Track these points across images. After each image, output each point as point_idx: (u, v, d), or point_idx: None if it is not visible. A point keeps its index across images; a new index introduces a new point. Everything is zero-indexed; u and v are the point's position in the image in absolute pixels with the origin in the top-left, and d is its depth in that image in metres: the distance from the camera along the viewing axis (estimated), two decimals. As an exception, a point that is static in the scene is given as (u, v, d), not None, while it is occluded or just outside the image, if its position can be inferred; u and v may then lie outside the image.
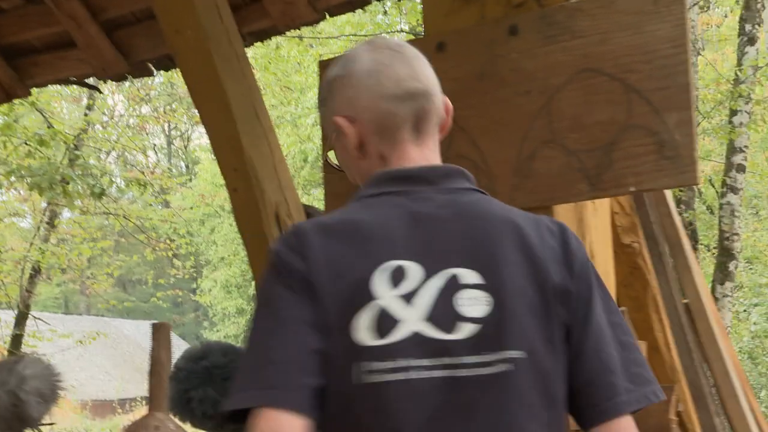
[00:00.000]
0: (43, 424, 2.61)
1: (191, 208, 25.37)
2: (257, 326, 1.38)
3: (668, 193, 2.96)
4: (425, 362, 1.35)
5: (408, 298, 1.38)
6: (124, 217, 14.50)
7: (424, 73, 1.56)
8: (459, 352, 1.37)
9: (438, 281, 1.40)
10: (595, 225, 2.66)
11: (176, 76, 14.17)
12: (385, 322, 1.36)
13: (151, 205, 17.29)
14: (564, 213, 2.52)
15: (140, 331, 35.14)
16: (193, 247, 23.56)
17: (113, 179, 10.07)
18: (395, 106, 1.51)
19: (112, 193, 12.93)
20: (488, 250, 1.43)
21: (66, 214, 15.24)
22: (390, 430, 1.33)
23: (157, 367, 1.97)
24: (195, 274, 26.72)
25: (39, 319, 14.11)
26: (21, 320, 12.72)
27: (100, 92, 4.96)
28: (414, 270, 1.40)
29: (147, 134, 22.82)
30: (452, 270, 1.41)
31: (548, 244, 1.48)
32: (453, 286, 1.40)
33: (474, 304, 1.39)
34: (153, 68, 4.06)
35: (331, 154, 1.66)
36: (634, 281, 3.06)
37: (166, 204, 20.76)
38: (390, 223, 1.42)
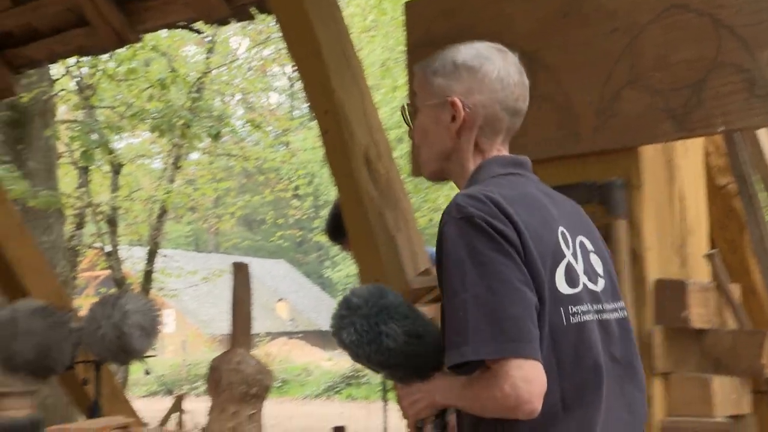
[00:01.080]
0: (146, 356, 2.78)
1: (311, 148, 25.78)
2: (480, 287, 1.57)
3: (761, 133, 2.83)
4: (590, 307, 1.69)
5: (574, 256, 1.70)
6: (245, 158, 14.88)
7: (527, 98, 1.84)
8: (602, 299, 1.73)
9: (578, 245, 1.74)
10: (685, 166, 2.59)
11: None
12: (572, 275, 1.68)
13: (271, 146, 17.67)
14: (651, 155, 2.46)
15: (264, 269, 36.28)
16: (313, 187, 23.99)
17: (233, 121, 10.32)
18: (504, 115, 1.80)
19: (234, 134, 13.27)
20: (588, 223, 1.83)
21: (193, 155, 15.77)
22: (590, 358, 1.64)
23: (238, 304, 2.07)
24: (313, 215, 27.23)
25: (166, 256, 14.77)
26: (151, 257, 13.34)
27: (199, 33, 5.07)
28: (567, 235, 1.72)
29: (268, 76, 23.17)
30: (580, 237, 1.76)
31: None
32: (585, 249, 1.75)
33: (598, 265, 1.76)
34: (254, 12, 4.13)
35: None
36: (729, 223, 2.96)
37: (287, 145, 21.14)
38: (540, 198, 1.73)
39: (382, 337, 1.71)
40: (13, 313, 2.72)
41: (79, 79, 10.56)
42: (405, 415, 1.83)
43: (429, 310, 2.69)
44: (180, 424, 2.42)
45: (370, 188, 3.00)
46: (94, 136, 8.65)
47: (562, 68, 2.47)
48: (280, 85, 36.85)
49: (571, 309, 1.65)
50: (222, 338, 26.03)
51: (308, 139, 27.82)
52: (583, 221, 1.82)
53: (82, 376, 2.90)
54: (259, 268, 35.97)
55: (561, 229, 1.71)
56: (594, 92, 2.39)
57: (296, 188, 18.20)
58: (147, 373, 3.42)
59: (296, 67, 3.21)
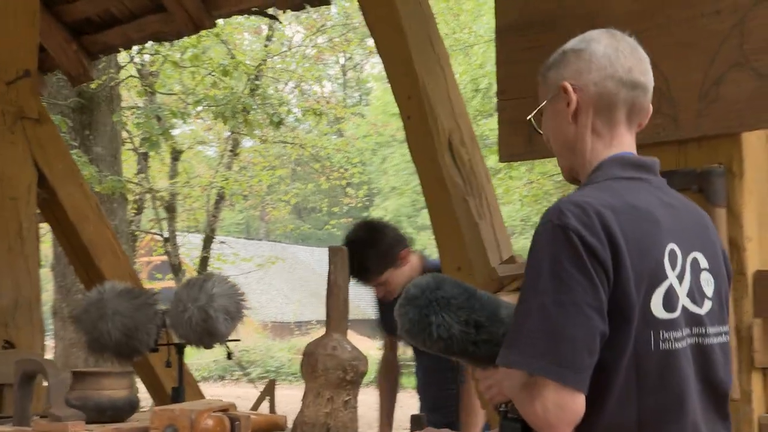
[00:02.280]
0: (230, 340, 2.77)
1: (364, 137, 25.78)
2: (549, 298, 1.54)
3: None
4: (687, 331, 1.64)
5: (680, 277, 1.64)
6: (300, 146, 14.94)
7: (649, 72, 1.76)
8: (705, 323, 1.67)
9: (689, 263, 1.67)
10: (787, 154, 2.50)
11: (352, 6, 14.30)
12: (672, 298, 1.61)
13: (325, 134, 17.71)
14: (752, 142, 2.38)
15: (315, 257, 36.43)
16: (366, 176, 24.02)
17: (290, 109, 10.35)
18: (619, 89, 1.71)
19: (290, 122, 13.33)
20: (708, 237, 1.76)
21: (246, 142, 15.88)
22: (676, 386, 1.60)
23: (335, 289, 2.04)
24: (368, 203, 27.28)
25: (224, 242, 14.92)
26: (207, 243, 13.49)
27: (280, 22, 5.07)
28: (678, 252, 1.65)
29: (323, 65, 23.25)
30: (694, 253, 1.69)
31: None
32: (696, 267, 1.69)
33: (707, 284, 1.70)
34: (329, -3, 4.11)
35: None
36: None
37: (340, 133, 21.19)
38: (656, 210, 1.65)
39: (432, 327, 1.74)
40: (100, 294, 2.73)
41: (142, 65, 10.67)
42: (483, 398, 1.84)
43: (514, 299, 2.65)
44: (272, 409, 2.42)
45: (454, 174, 2.96)
46: (157, 123, 8.74)
47: (661, 51, 2.39)
48: (333, 74, 36.94)
49: (663, 335, 1.60)
50: (272, 325, 26.27)
51: (361, 127, 27.91)
52: (702, 235, 1.75)
53: (164, 359, 2.90)
54: (309, 256, 36.18)
55: (671, 246, 1.64)
56: (696, 75, 2.30)
57: (351, 176, 18.21)
58: (229, 357, 3.43)
59: (379, 51, 3.18)
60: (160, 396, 4.33)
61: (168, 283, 14.38)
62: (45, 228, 6.73)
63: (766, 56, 2.25)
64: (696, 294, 1.66)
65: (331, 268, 2.09)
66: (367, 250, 3.30)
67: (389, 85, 3.25)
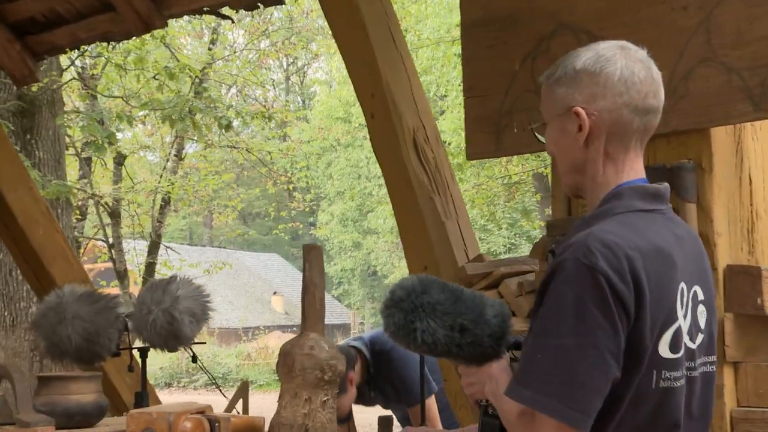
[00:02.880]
0: (195, 343, 2.71)
1: (309, 141, 25.70)
2: (571, 340, 1.54)
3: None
4: (683, 372, 1.66)
5: (684, 315, 1.66)
6: (247, 150, 14.81)
7: (662, 91, 1.75)
8: (695, 356, 1.69)
9: (691, 297, 1.69)
10: (754, 149, 2.53)
11: (296, 9, 14.21)
12: (678, 340, 1.63)
13: (270, 138, 17.59)
14: (721, 137, 2.40)
15: (260, 263, 36.16)
16: (312, 180, 23.92)
17: (238, 112, 10.25)
18: (633, 117, 1.70)
19: (235, 126, 13.18)
20: (704, 267, 1.77)
21: (191, 147, 15.69)
22: (671, 421, 1.63)
23: (310, 288, 2.00)
24: (314, 207, 27.16)
25: (170, 248, 14.70)
26: (153, 249, 13.27)
27: (233, 21, 4.99)
28: (685, 289, 1.67)
29: (266, 69, 23.08)
30: (695, 287, 1.71)
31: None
32: (696, 300, 1.70)
33: (702, 316, 1.72)
34: (284, -4, 4.05)
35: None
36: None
37: (285, 138, 21.06)
38: (671, 247, 1.66)
39: (417, 333, 1.73)
40: (59, 299, 2.65)
41: (83, 68, 10.46)
42: (465, 393, 1.86)
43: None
44: (245, 410, 2.36)
45: (420, 173, 2.94)
46: (101, 127, 8.57)
47: (630, 47, 2.41)
48: (276, 79, 36.73)
49: (665, 374, 1.62)
50: (219, 332, 25.97)
51: (306, 132, 27.80)
52: (701, 266, 1.77)
53: (126, 363, 2.83)
54: (254, 262, 35.88)
55: (681, 285, 1.66)
56: (665, 72, 2.31)
57: (298, 180, 18.11)
58: (194, 360, 3.35)
59: (341, 49, 3.14)
60: (115, 402, 4.22)
61: (113, 290, 14.10)
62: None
63: (735, 51, 2.27)
64: (693, 329, 1.68)
65: (306, 267, 2.05)
66: None
67: (344, 85, 3.23)
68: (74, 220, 11.65)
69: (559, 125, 1.76)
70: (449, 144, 14.79)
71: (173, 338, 2.58)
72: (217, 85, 14.92)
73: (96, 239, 13.39)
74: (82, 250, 12.84)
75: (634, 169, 1.73)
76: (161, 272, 14.23)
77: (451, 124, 15.79)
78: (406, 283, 1.79)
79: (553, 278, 1.59)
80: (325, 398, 1.98)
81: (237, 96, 19.15)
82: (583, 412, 1.52)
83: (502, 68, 2.64)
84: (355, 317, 29.14)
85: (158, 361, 20.77)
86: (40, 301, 2.86)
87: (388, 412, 3.75)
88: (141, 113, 10.02)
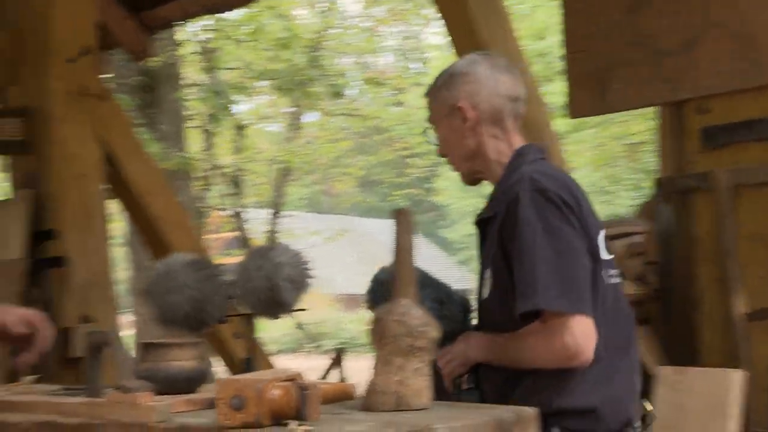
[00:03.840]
0: (296, 310, 2.73)
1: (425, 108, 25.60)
2: (549, 249, 1.86)
3: None
4: (615, 271, 2.01)
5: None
6: (362, 117, 14.88)
7: (522, 85, 2.14)
8: (614, 267, 2.02)
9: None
10: None
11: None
12: (607, 244, 1.99)
13: (386, 105, 17.62)
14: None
15: (380, 229, 36.48)
16: (428, 146, 23.83)
17: (349, 80, 10.29)
18: (507, 103, 2.09)
19: (350, 94, 13.27)
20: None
21: (309, 117, 15.90)
22: (626, 311, 1.98)
23: (401, 253, 1.97)
24: (432, 173, 27.09)
25: (291, 216, 15.00)
26: (275, 218, 13.57)
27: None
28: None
29: (380, 36, 23.10)
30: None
31: None
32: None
33: (605, 239, 2.02)
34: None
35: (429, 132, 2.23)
36: None
37: (401, 104, 21.07)
38: (571, 179, 2.02)
39: None
40: (167, 267, 2.72)
41: (203, 42, 10.72)
42: (442, 374, 2.07)
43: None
44: (342, 378, 2.39)
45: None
46: (219, 99, 8.78)
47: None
48: (392, 45, 36.69)
49: (609, 272, 1.97)
50: (341, 298, 26.42)
51: (422, 98, 27.63)
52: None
53: (234, 330, 2.89)
54: (375, 228, 36.23)
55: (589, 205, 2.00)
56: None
57: (414, 146, 18.11)
58: (298, 327, 3.46)
59: (442, 15, 3.08)
60: (233, 367, 4.35)
61: (238, 258, 14.49)
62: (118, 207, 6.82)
63: None
64: (606, 244, 2.02)
65: (397, 230, 2.02)
66: None
67: (451, 51, 3.16)
68: (198, 191, 12.04)
69: (447, 125, 2.12)
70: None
71: (274, 305, 2.61)
72: (331, 54, 15.03)
73: (219, 209, 13.79)
74: (206, 220, 13.27)
75: (518, 140, 2.11)
76: (283, 241, 14.55)
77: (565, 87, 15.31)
78: (388, 267, 2.03)
79: (515, 213, 1.90)
80: (418, 365, 1.96)
81: (353, 64, 19.25)
82: (585, 301, 1.84)
83: (604, 21, 2.53)
84: (477, 282, 28.98)
85: (282, 328, 21.34)
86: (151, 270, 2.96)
87: None
88: (257, 84, 10.19)
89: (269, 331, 17.61)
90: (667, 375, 2.41)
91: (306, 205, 37.24)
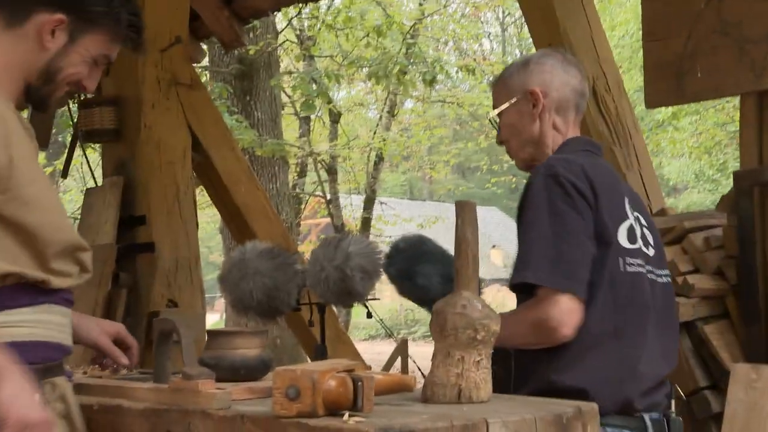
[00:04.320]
0: (368, 299, 2.74)
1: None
2: (548, 229, 1.96)
3: None
4: (644, 264, 2.06)
5: (636, 221, 2.09)
6: (458, 104, 14.79)
7: (586, 82, 2.26)
8: (653, 263, 2.10)
9: (635, 219, 2.10)
10: None
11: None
12: (633, 234, 2.05)
13: (484, 92, 17.45)
14: None
15: (479, 217, 36.01)
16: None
17: (444, 67, 10.23)
18: (574, 96, 2.20)
19: (447, 81, 13.20)
20: (642, 204, 2.21)
21: (407, 104, 15.89)
22: (642, 301, 2.00)
23: (463, 245, 1.95)
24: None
25: (384, 203, 15.07)
26: (368, 204, 13.65)
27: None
28: (629, 207, 2.09)
29: (481, 22, 22.89)
30: (637, 212, 2.13)
31: None
32: (640, 222, 2.13)
33: (649, 236, 2.13)
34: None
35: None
36: None
37: (501, 91, 20.78)
38: (613, 171, 2.16)
39: (417, 276, 2.13)
40: (242, 255, 2.76)
41: (300, 30, 10.84)
42: None
43: (668, 252, 2.50)
44: (405, 368, 2.39)
45: (599, 123, 2.79)
46: (314, 86, 8.86)
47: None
48: (493, 31, 36.35)
49: (628, 260, 2.01)
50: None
51: (522, 85, 27.21)
52: (639, 202, 2.20)
53: (307, 317, 2.92)
54: (473, 216, 35.86)
55: (626, 199, 2.09)
56: None
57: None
58: (369, 316, 3.51)
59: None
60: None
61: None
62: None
63: None
64: (645, 240, 2.10)
65: (459, 223, 2.00)
66: None
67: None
68: (294, 177, 12.21)
69: (515, 110, 2.19)
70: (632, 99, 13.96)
71: (346, 294, 2.63)
72: (429, 41, 14.97)
73: (315, 195, 13.96)
74: (302, 206, 13.46)
75: (574, 133, 2.20)
76: (377, 227, 14.64)
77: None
78: (407, 238, 2.23)
79: (526, 194, 2.01)
80: (479, 358, 1.94)
81: (451, 51, 19.15)
82: (577, 281, 1.92)
83: (684, 8, 2.43)
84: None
85: (379, 313, 21.43)
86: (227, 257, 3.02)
87: None
88: (352, 72, 10.24)
89: (361, 317, 17.74)
90: (743, 373, 2.32)
91: (402, 192, 37.33)
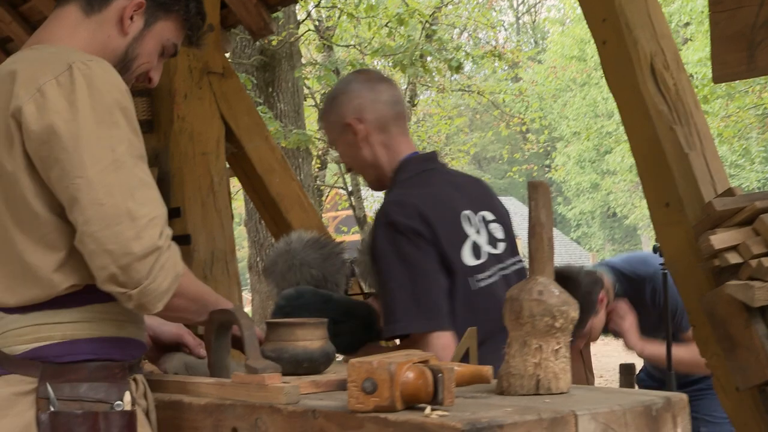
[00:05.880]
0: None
1: (543, 82, 25.11)
2: (404, 276, 2.11)
3: None
4: (495, 269, 2.25)
5: (478, 232, 2.25)
6: (479, 93, 14.69)
7: (397, 88, 2.41)
8: (503, 259, 2.29)
9: (480, 219, 2.28)
10: None
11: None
12: (477, 250, 2.22)
13: (502, 80, 17.33)
14: None
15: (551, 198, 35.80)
16: (546, 121, 23.42)
17: (468, 53, 10.11)
18: (388, 108, 2.30)
19: (466, 70, 13.08)
20: (489, 196, 2.41)
21: (424, 94, 15.79)
22: (496, 309, 1.97)
23: (537, 228, 1.86)
24: (549, 149, 26.61)
25: (405, 194, 14.95)
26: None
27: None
28: (470, 215, 2.26)
29: (496, 11, 22.75)
30: (482, 212, 2.30)
31: None
32: (485, 221, 2.30)
33: (497, 231, 2.32)
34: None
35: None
36: None
37: (517, 79, 20.69)
38: (448, 191, 2.26)
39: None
40: (287, 245, 2.68)
41: (319, 21, 10.76)
42: None
43: (736, 234, 2.39)
44: (474, 358, 2.30)
45: (658, 102, 2.67)
46: (338, 76, 8.78)
47: None
48: (507, 20, 36.15)
49: (477, 277, 2.19)
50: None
51: (539, 72, 27.14)
52: (484, 198, 2.37)
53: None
54: (491, 206, 35.74)
55: (464, 212, 2.23)
56: None
57: (531, 121, 17.77)
58: None
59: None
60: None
61: (354, 236, 14.64)
62: (236, 186, 6.91)
63: None
64: (492, 240, 2.27)
65: (532, 205, 1.90)
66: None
67: (578, 22, 2.99)
68: (315, 170, 12.13)
69: (343, 143, 2.33)
70: (693, 76, 13.83)
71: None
72: (447, 29, 14.86)
73: (336, 187, 13.89)
74: (324, 198, 13.38)
75: (404, 146, 2.32)
76: (399, 218, 14.52)
77: (694, 54, 14.75)
78: (285, 293, 2.37)
79: (373, 244, 2.16)
80: (557, 347, 1.85)
81: (467, 39, 19.02)
82: (440, 315, 2.11)
83: (753, -23, 2.32)
84: (595, 260, 28.43)
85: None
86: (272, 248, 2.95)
87: (631, 359, 3.53)
88: (374, 62, 10.16)
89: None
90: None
91: (421, 183, 37.17)
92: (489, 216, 2.32)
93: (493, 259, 2.25)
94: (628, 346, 3.42)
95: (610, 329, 3.48)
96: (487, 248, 2.24)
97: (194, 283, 1.78)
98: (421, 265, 2.11)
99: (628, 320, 3.38)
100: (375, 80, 2.35)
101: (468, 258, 2.19)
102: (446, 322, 2.12)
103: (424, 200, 2.16)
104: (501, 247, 2.29)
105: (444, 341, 2.11)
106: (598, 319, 3.36)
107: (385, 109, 2.30)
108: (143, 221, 1.58)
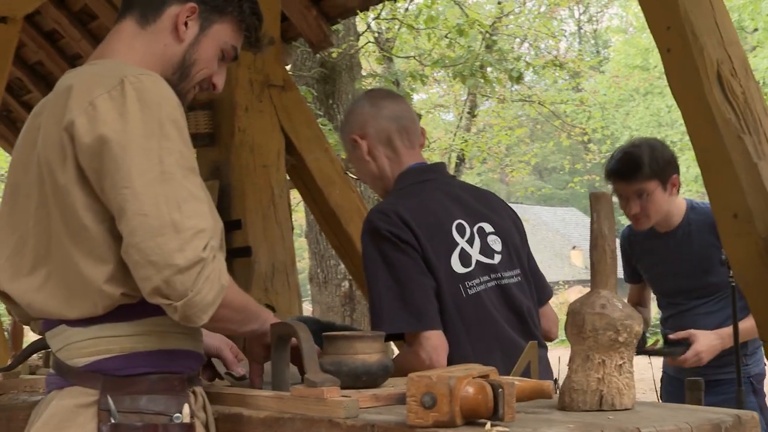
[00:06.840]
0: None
1: (606, 91, 24.79)
2: (389, 279, 2.18)
3: None
4: (486, 278, 2.31)
5: (470, 242, 2.32)
6: (540, 103, 14.57)
7: (406, 104, 2.48)
8: (498, 270, 2.34)
9: (476, 230, 2.34)
10: None
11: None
12: (465, 258, 2.28)
13: (564, 90, 17.16)
14: None
15: (558, 217, 35.74)
16: (609, 131, 23.12)
17: (528, 63, 10.05)
18: (390, 122, 2.39)
19: (527, 80, 13.00)
20: (493, 210, 2.44)
21: (484, 105, 15.73)
22: (487, 315, 2.27)
23: (599, 240, 1.82)
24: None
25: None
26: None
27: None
28: (465, 225, 2.33)
29: (557, 20, 22.55)
30: (480, 224, 2.37)
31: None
32: (483, 233, 2.36)
33: (495, 242, 2.37)
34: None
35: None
36: None
37: (578, 89, 20.46)
38: (440, 200, 2.33)
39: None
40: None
41: (379, 32, 10.80)
42: None
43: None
44: (534, 372, 2.27)
45: (726, 110, 2.60)
46: (398, 88, 8.79)
47: None
48: (569, 30, 35.82)
49: (467, 284, 2.26)
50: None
51: (601, 82, 26.82)
52: (486, 210, 2.41)
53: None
54: (551, 216, 35.54)
55: (458, 221, 2.31)
56: None
57: (594, 131, 17.56)
58: None
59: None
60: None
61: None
62: (296, 198, 6.95)
63: None
64: (487, 251, 2.33)
65: (594, 217, 1.87)
66: (646, 149, 3.25)
67: (642, 31, 2.94)
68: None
69: (354, 158, 2.45)
70: (763, 82, 13.52)
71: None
72: (507, 39, 14.79)
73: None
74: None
75: (410, 158, 2.39)
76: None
77: (763, 61, 14.43)
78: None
79: (363, 252, 2.24)
80: (621, 362, 1.81)
81: (528, 49, 18.89)
82: (427, 317, 2.17)
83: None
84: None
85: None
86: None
87: (681, 372, 3.35)
88: (434, 73, 10.16)
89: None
90: None
91: (481, 194, 36.99)
92: (488, 228, 2.37)
93: (484, 268, 2.30)
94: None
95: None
96: (477, 257, 2.30)
97: (239, 293, 1.76)
98: (405, 267, 2.18)
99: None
100: (379, 97, 2.46)
101: (456, 265, 2.26)
102: (435, 323, 2.18)
103: (408, 208, 2.24)
104: (497, 258, 2.35)
105: (435, 341, 2.17)
106: (662, 198, 3.31)
107: (386, 123, 2.38)
108: (188, 233, 1.56)
